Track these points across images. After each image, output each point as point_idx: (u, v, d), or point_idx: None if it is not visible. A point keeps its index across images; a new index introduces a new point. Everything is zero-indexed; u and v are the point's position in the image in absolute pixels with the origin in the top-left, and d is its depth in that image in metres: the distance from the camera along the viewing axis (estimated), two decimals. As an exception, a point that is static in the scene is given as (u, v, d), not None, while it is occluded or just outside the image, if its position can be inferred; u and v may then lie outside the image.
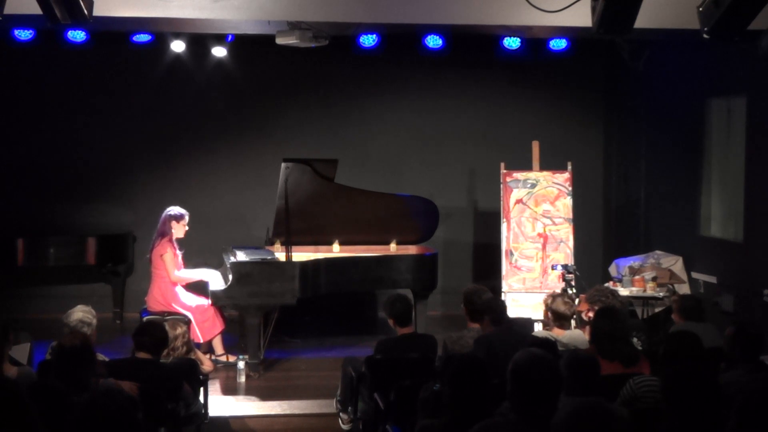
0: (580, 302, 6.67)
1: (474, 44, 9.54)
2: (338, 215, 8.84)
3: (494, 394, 3.91)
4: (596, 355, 4.73)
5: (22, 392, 3.34)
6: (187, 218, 8.21)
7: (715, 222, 9.28)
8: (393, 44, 8.53)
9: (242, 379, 7.65)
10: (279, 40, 7.73)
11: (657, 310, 8.64)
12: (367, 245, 9.10)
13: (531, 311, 8.92)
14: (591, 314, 6.19)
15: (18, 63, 10.18)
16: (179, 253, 8.20)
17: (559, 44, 8.85)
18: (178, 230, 8.16)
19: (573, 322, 6.40)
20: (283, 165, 8.21)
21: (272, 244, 8.90)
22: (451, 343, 6.02)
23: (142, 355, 5.62)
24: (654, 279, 8.50)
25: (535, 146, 9.43)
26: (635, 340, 6.22)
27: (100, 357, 5.40)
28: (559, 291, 7.38)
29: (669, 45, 9.60)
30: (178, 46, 9.89)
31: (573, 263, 8.78)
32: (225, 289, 7.87)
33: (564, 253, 9.16)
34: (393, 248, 9.18)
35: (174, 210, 8.20)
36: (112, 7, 6.71)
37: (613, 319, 5.34)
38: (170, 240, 8.10)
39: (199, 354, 7.77)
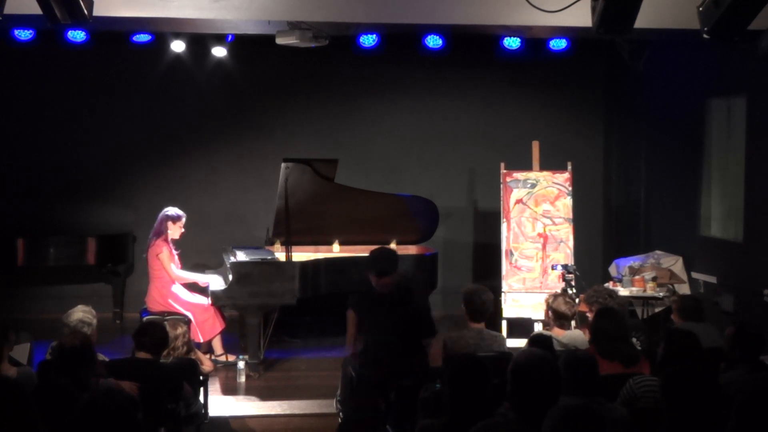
0: (579, 302, 6.66)
1: (474, 44, 9.54)
2: (338, 215, 8.84)
3: (494, 394, 3.91)
4: (596, 355, 4.73)
5: (23, 392, 3.34)
6: (184, 220, 8.18)
7: (715, 222, 9.28)
8: (393, 44, 8.53)
9: (242, 379, 7.66)
10: (279, 40, 7.73)
11: (657, 310, 8.63)
12: (367, 245, 9.06)
13: (531, 311, 8.93)
14: (591, 315, 6.20)
15: (18, 63, 10.18)
16: (175, 252, 8.19)
17: (559, 44, 8.84)
18: (174, 231, 8.13)
19: (573, 322, 6.40)
20: (283, 165, 8.21)
21: (272, 244, 8.90)
22: (451, 343, 6.01)
23: (142, 355, 5.62)
24: (654, 279, 8.49)
25: (535, 146, 9.42)
26: (635, 340, 6.22)
27: (100, 357, 5.40)
28: (559, 291, 7.37)
29: (669, 45, 9.59)
30: (178, 46, 9.89)
31: (573, 263, 8.77)
32: (225, 289, 7.87)
33: (564, 253, 9.15)
34: (393, 248, 9.15)
35: (172, 210, 8.18)
36: (112, 7, 6.70)
37: (612, 319, 5.35)
38: (165, 240, 8.08)
39: (199, 354, 7.76)
